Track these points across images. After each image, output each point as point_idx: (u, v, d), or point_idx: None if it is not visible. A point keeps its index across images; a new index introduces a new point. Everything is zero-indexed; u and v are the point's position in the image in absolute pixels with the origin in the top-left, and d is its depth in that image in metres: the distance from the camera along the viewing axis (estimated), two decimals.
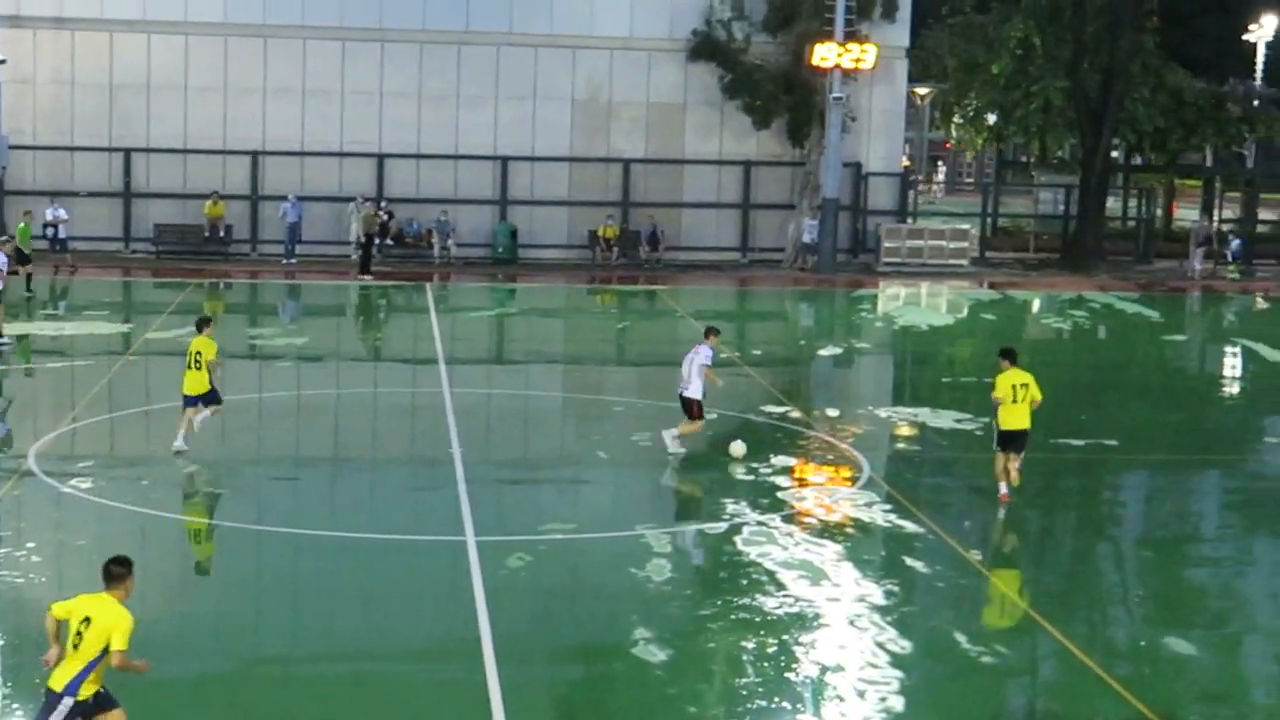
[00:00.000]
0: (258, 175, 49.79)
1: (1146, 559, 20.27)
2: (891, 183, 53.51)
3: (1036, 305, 46.22)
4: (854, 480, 22.79)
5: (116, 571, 11.88)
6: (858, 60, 49.12)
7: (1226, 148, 63.16)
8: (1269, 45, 72.49)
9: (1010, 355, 21.73)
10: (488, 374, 32.72)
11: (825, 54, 48.78)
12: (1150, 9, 58.53)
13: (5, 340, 32.20)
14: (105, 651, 11.60)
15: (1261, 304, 47.88)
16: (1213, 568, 20.00)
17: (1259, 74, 71.34)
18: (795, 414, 27.49)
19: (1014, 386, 21.31)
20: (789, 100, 50.65)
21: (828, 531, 20.03)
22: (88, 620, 11.60)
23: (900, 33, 52.26)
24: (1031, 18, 57.15)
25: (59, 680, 11.65)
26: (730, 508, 20.92)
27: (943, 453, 25.43)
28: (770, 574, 18.06)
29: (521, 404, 29.33)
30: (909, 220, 54.35)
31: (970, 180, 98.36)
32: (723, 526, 20.05)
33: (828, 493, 22.19)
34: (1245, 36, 72.20)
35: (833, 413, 27.54)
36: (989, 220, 60.01)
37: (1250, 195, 62.12)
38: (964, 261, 52.17)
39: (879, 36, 50.55)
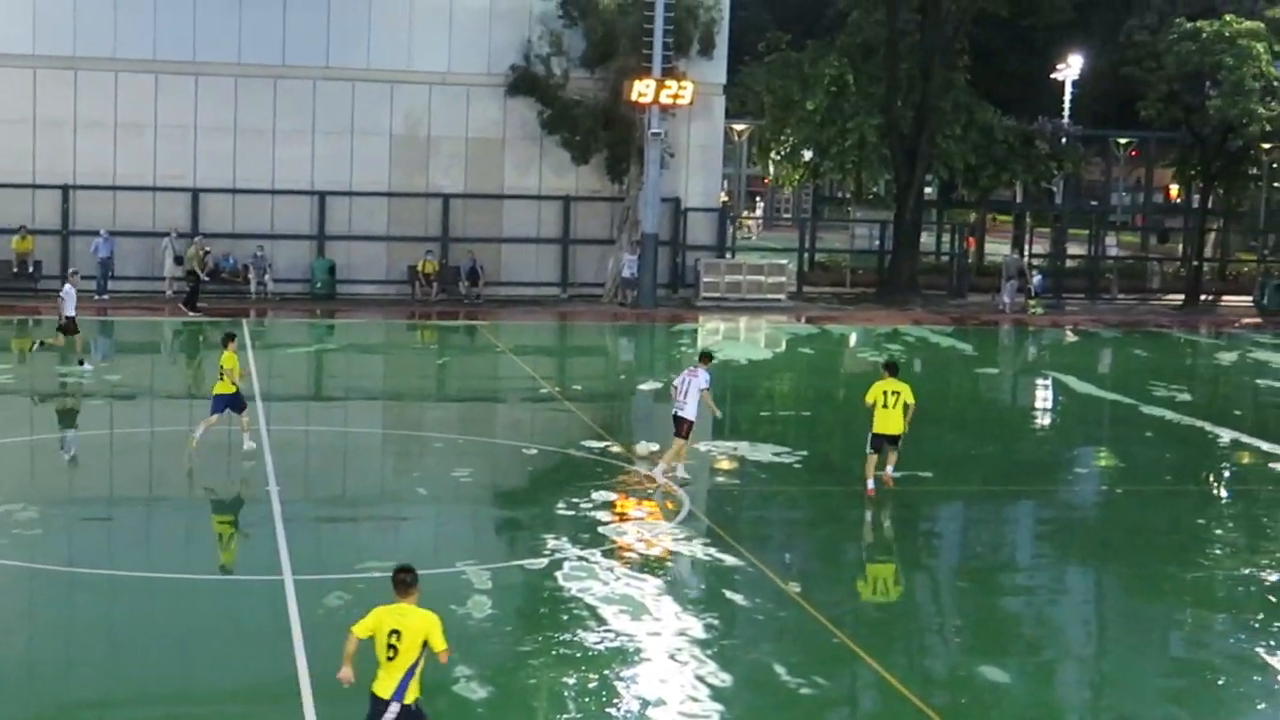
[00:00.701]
0: (68, 210, 48.84)
1: (962, 589, 20.58)
2: (710, 218, 53.95)
3: (853, 339, 46.83)
4: (674, 515, 22.88)
5: (407, 580, 12.52)
6: (675, 96, 49.51)
7: (1036, 184, 64.65)
8: (1075, 84, 74.26)
9: (890, 368, 24.26)
10: (306, 411, 32.36)
11: (643, 90, 49.09)
12: (960, 48, 59.73)
13: (87, 368, 34.16)
14: (420, 657, 12.32)
15: (1071, 337, 49.03)
16: (1027, 596, 20.37)
17: (1066, 112, 73.07)
18: (616, 449, 27.54)
19: (885, 393, 23.55)
20: (608, 136, 50.87)
21: (648, 566, 20.08)
22: (396, 632, 12.28)
23: (717, 69, 52.78)
24: (846, 55, 58.01)
25: (385, 688, 12.29)
26: (551, 543, 20.89)
27: (762, 486, 25.62)
28: (591, 609, 18.05)
29: (341, 441, 29.05)
30: (727, 255, 54.85)
31: (788, 215, 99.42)
32: (543, 562, 20.01)
33: (648, 527, 22.24)
34: (1053, 76, 73.91)
35: (653, 447, 27.61)
36: (806, 255, 60.80)
37: (1059, 230, 63.60)
38: (782, 296, 52.76)
39: (696, 73, 51.00)
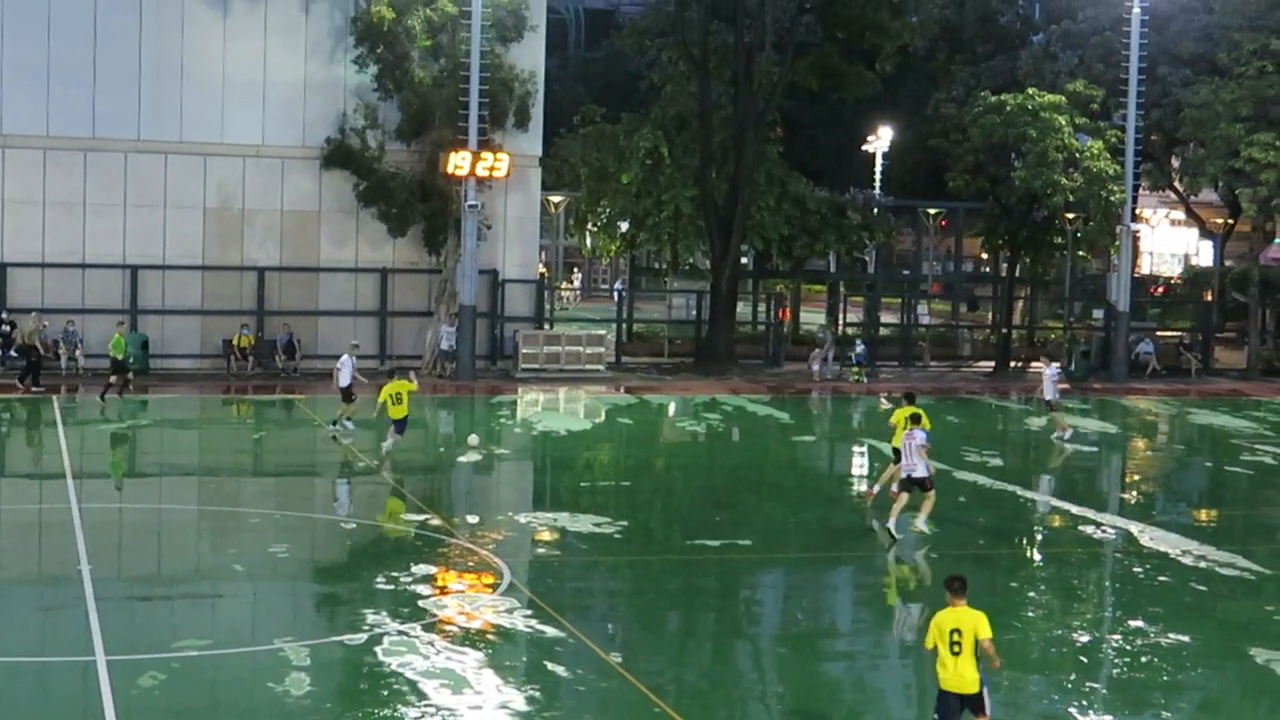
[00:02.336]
0: None
1: (783, 655, 20.70)
2: (528, 289, 54.00)
3: (672, 409, 47.06)
4: (495, 587, 22.76)
5: (958, 587, 15.65)
6: (491, 169, 49.56)
7: (849, 254, 65.63)
8: (885, 156, 75.67)
9: (909, 397, 29.85)
10: (119, 488, 31.73)
11: (459, 162, 49.05)
12: (773, 121, 60.58)
13: (349, 426, 37.16)
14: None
15: (885, 404, 49.64)
16: (847, 661, 20.55)
17: (878, 183, 74.41)
18: (435, 521, 27.36)
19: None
20: (425, 208, 50.74)
21: (469, 639, 19.94)
22: (958, 630, 15.29)
23: (533, 141, 52.96)
24: (660, 128, 58.46)
25: (970, 683, 15.31)
26: (371, 618, 20.66)
27: (583, 556, 25.60)
28: (412, 684, 17.88)
29: (154, 518, 28.50)
30: (546, 326, 54.89)
31: (606, 286, 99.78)
32: (363, 637, 19.78)
33: (469, 600, 22.10)
34: (864, 148, 75.27)
35: (473, 519, 27.50)
36: (624, 325, 61.05)
37: (871, 299, 64.55)
38: (601, 367, 52.90)
39: (512, 145, 51.12)
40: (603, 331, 56.05)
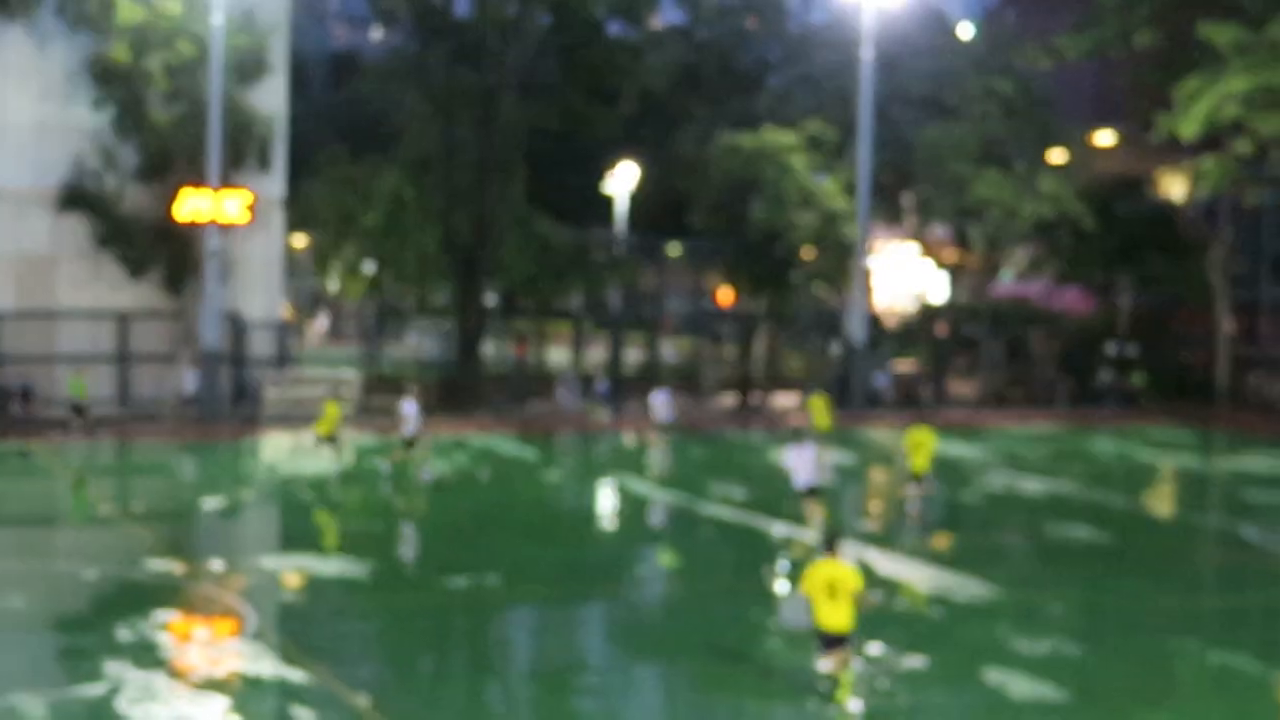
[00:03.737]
0: None
1: (535, 693, 20.65)
2: (272, 332, 53.28)
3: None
4: (241, 633, 22.33)
5: (834, 542, 19.08)
6: (229, 212, 48.82)
7: (593, 292, 66.03)
8: (629, 195, 76.37)
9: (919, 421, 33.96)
10: None
11: (196, 205, 48.22)
12: (517, 161, 60.77)
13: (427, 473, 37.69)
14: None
15: (630, 441, 49.95)
16: (601, 698, 20.56)
17: (622, 222, 75.04)
18: (180, 569, 26.78)
19: (916, 443, 33.39)
20: (165, 250, 49.80)
21: (214, 687, 19.51)
22: (833, 581, 18.67)
23: (275, 183, 52.40)
24: (404, 170, 58.23)
25: (845, 623, 18.90)
26: (112, 668, 20.11)
27: (331, 600, 25.27)
28: None
29: None
30: (291, 369, 54.21)
31: (354, 327, 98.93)
32: (103, 688, 19.24)
33: (214, 647, 21.64)
34: (607, 188, 75.84)
35: (218, 565, 26.97)
36: (372, 367, 60.51)
37: (615, 337, 65.03)
38: (348, 408, 52.36)
39: (255, 186, 50.50)
40: (350, 373, 55.48)
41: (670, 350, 69.47)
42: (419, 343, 65.39)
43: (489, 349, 63.06)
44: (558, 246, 60.30)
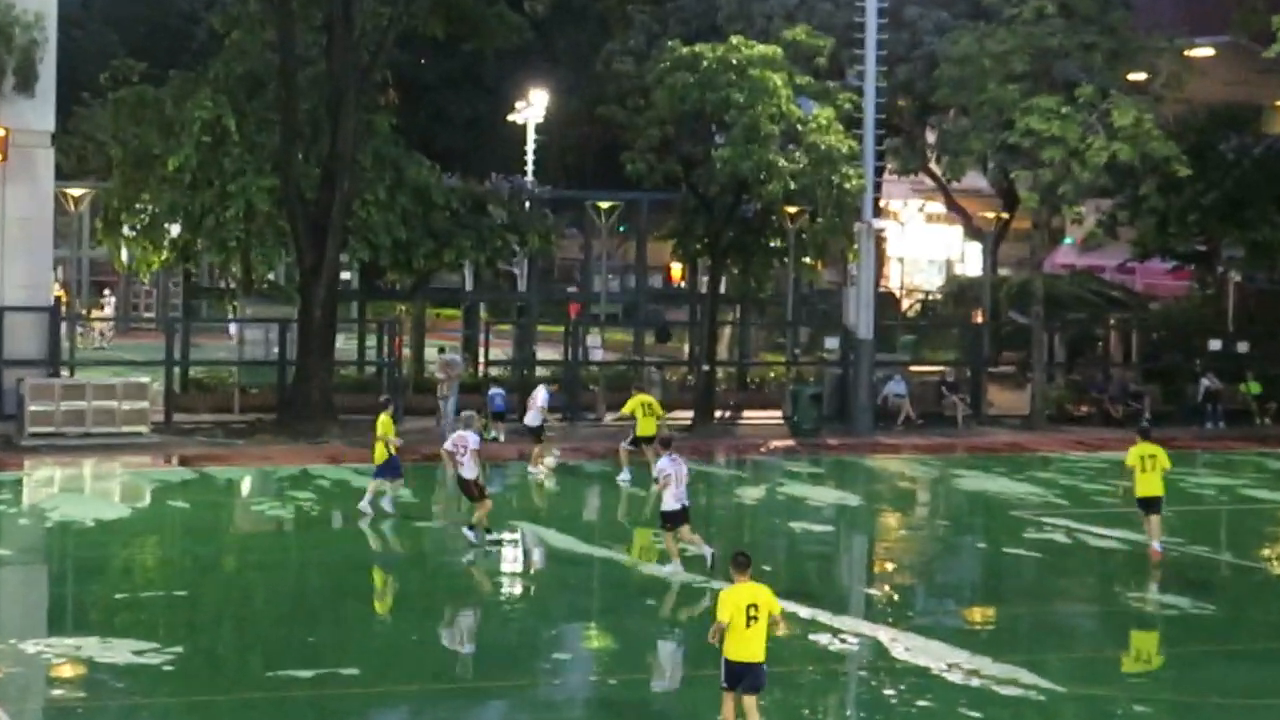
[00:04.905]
0: None
1: None
2: (39, 320, 52.93)
3: (247, 486, 46.52)
4: None
5: (745, 562, 22.43)
6: None
7: (492, 265, 65.74)
8: (541, 131, 76.16)
9: (1144, 432, 37.62)
10: None
11: None
12: (383, 81, 60.50)
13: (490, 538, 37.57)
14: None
15: (544, 476, 49.64)
16: None
17: (530, 168, 74.89)
18: None
19: (1142, 457, 35.50)
20: None
21: None
22: (754, 605, 21.76)
23: (42, 112, 52.02)
24: (224, 93, 57.74)
25: (760, 652, 21.94)
26: None
27: (119, 698, 25.10)
28: None
29: None
30: (65, 373, 53.77)
31: (152, 314, 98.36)
32: None
33: None
34: (511, 118, 75.72)
35: None
36: (178, 370, 60.05)
37: (524, 328, 64.74)
38: (144, 429, 52.02)
39: (12, 117, 50.11)
40: (146, 379, 55.13)
41: (600, 346, 69.29)
42: (245, 336, 64.94)
43: (344, 345, 62.71)
44: (441, 201, 59.91)
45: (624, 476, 46.02)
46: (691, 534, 34.18)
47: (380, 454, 40.18)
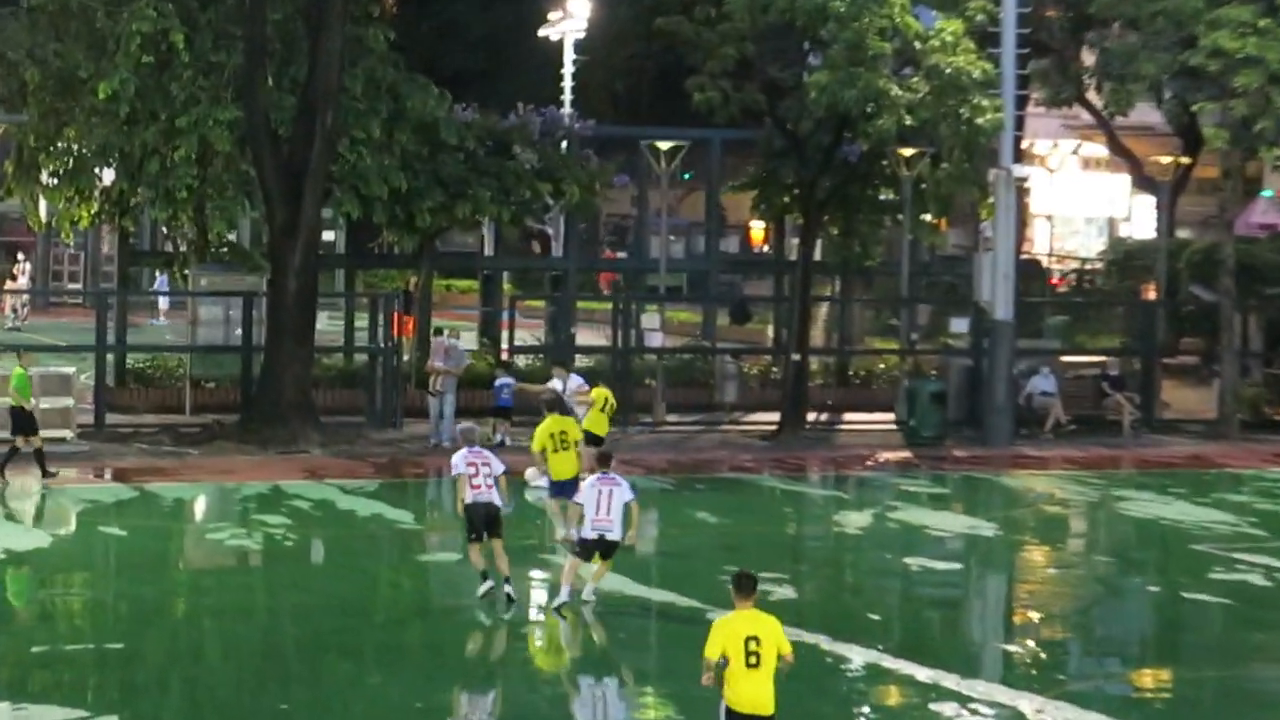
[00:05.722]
0: None
1: None
2: None
3: (201, 509, 46.67)
4: None
5: (749, 583, 22.65)
6: None
7: (518, 223, 65.66)
8: (581, 49, 76.07)
9: None
10: None
11: None
12: None
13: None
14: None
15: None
16: None
17: (567, 97, 74.82)
18: None
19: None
20: None
21: None
22: (755, 639, 22.02)
23: None
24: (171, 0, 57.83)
25: (768, 702, 22.17)
26: None
27: None
28: None
29: None
30: None
31: (78, 286, 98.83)
32: None
33: None
34: (542, 32, 75.71)
35: None
36: (112, 358, 60.16)
37: (560, 305, 64.65)
38: (68, 434, 52.23)
39: None
40: (70, 370, 55.29)
41: (658, 329, 68.97)
42: (199, 316, 64.97)
43: (326, 326, 62.76)
44: (453, 139, 59.98)
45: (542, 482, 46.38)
46: (590, 575, 35.43)
47: (562, 467, 39.84)
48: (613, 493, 34.46)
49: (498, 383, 55.10)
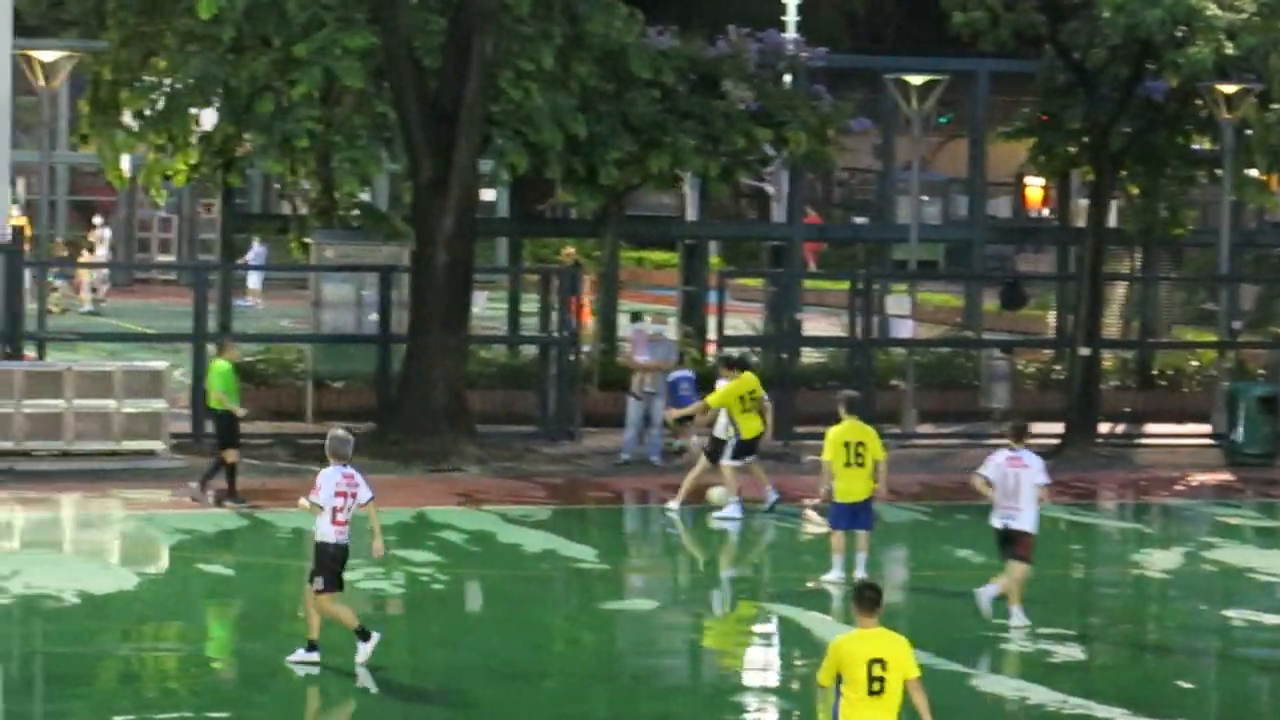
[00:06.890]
0: None
1: None
2: None
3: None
4: None
5: (875, 597, 23.50)
6: None
7: (729, 179, 65.77)
8: None
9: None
10: None
11: None
12: None
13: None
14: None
15: (814, 522, 49.78)
16: None
17: (792, 19, 75.04)
18: None
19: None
20: None
21: None
22: (881, 662, 22.85)
23: None
24: None
25: None
26: None
27: None
28: None
29: None
30: (32, 353, 54.53)
31: (171, 259, 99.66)
32: None
33: None
34: None
35: None
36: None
37: (785, 283, 64.72)
38: (158, 445, 52.60)
39: None
40: (163, 364, 55.72)
41: (908, 315, 68.82)
42: (323, 297, 65.25)
43: (485, 312, 63.08)
44: (645, 75, 60.15)
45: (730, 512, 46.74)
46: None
47: (852, 486, 40.92)
48: (1020, 475, 36.45)
49: (673, 376, 55.16)
